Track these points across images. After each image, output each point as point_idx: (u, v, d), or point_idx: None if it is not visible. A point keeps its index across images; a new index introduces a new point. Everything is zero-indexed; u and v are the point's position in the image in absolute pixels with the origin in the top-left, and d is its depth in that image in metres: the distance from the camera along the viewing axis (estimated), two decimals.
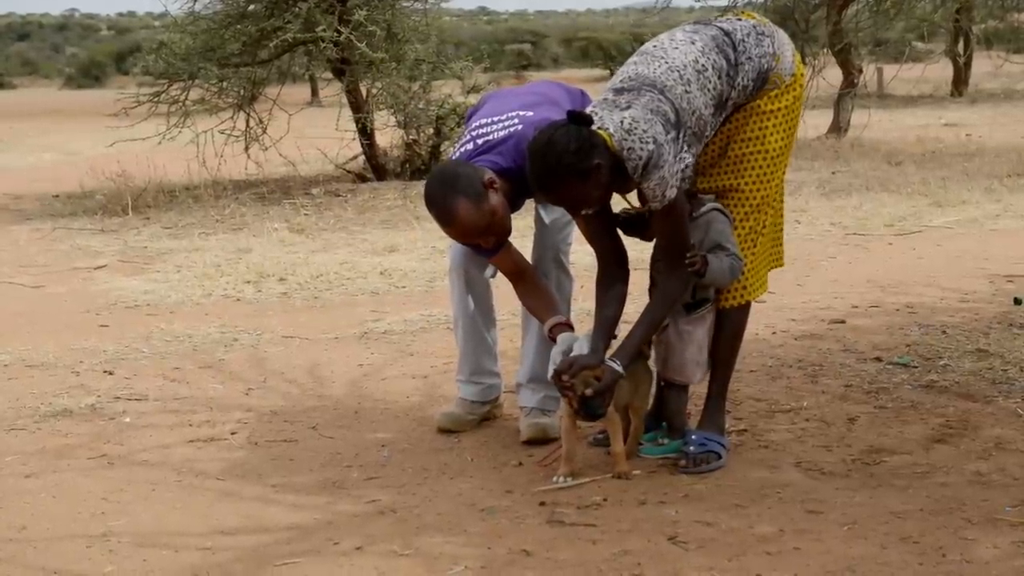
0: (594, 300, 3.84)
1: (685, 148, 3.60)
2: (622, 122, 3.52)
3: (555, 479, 3.71)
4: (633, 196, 3.80)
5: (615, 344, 3.78)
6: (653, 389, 4.04)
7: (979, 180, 10.74)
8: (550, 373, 3.78)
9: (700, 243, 3.76)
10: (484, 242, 3.91)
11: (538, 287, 4.07)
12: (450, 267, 4.32)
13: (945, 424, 4.18)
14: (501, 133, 3.94)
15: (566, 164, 3.47)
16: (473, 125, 4.06)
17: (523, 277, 4.07)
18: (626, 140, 3.50)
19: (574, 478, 3.71)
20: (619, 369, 3.66)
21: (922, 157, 12.70)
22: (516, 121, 3.95)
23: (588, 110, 3.63)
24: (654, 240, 3.89)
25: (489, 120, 4.02)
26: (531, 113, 3.95)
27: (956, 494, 3.52)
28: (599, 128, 3.53)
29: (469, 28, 44.17)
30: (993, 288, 6.45)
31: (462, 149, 4.00)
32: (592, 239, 3.84)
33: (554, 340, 3.89)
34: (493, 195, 3.82)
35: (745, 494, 3.58)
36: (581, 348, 3.76)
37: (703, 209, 3.80)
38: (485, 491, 3.67)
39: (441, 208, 3.81)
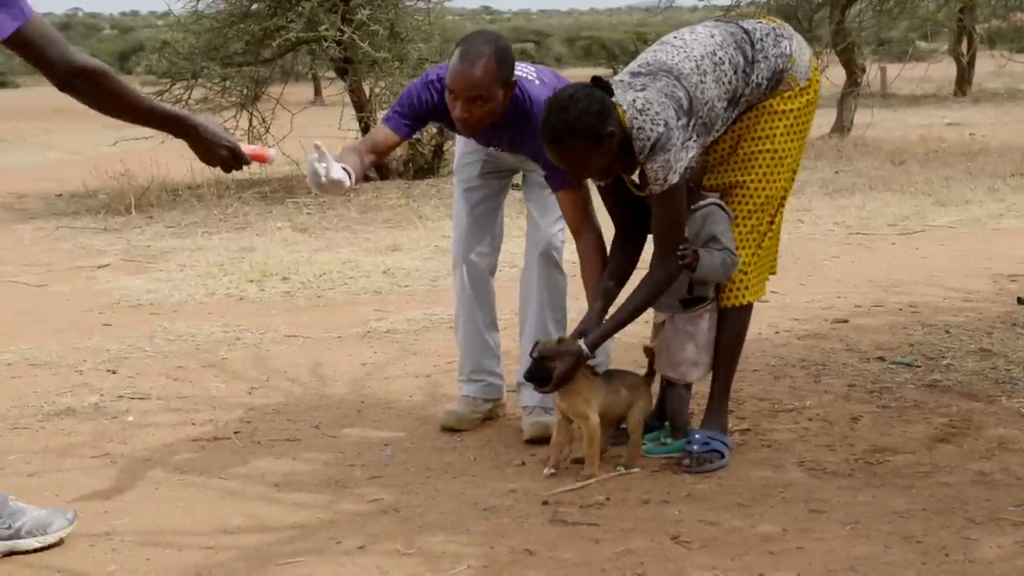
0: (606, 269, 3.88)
1: (694, 137, 3.61)
2: (635, 101, 3.56)
3: (545, 471, 3.75)
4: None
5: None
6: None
7: (982, 179, 10.74)
8: None
9: (696, 235, 3.77)
10: (468, 110, 3.81)
11: (368, 159, 4.01)
12: (453, 263, 4.33)
13: (948, 424, 4.17)
14: (519, 73, 3.95)
15: (584, 122, 3.49)
16: None
17: (378, 152, 4.06)
18: (637, 119, 3.54)
19: (557, 469, 3.76)
20: (582, 347, 3.66)
21: (925, 156, 12.70)
22: (535, 74, 4.00)
23: None
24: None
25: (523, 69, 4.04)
26: (547, 79, 4.01)
27: (959, 494, 3.52)
28: (614, 103, 3.56)
29: (472, 27, 44.20)
30: (996, 287, 6.44)
31: None
32: (608, 207, 3.88)
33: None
34: (507, 91, 3.84)
35: (748, 493, 3.58)
36: None
37: (702, 203, 3.80)
38: (488, 490, 3.67)
39: (472, 50, 3.76)
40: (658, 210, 3.68)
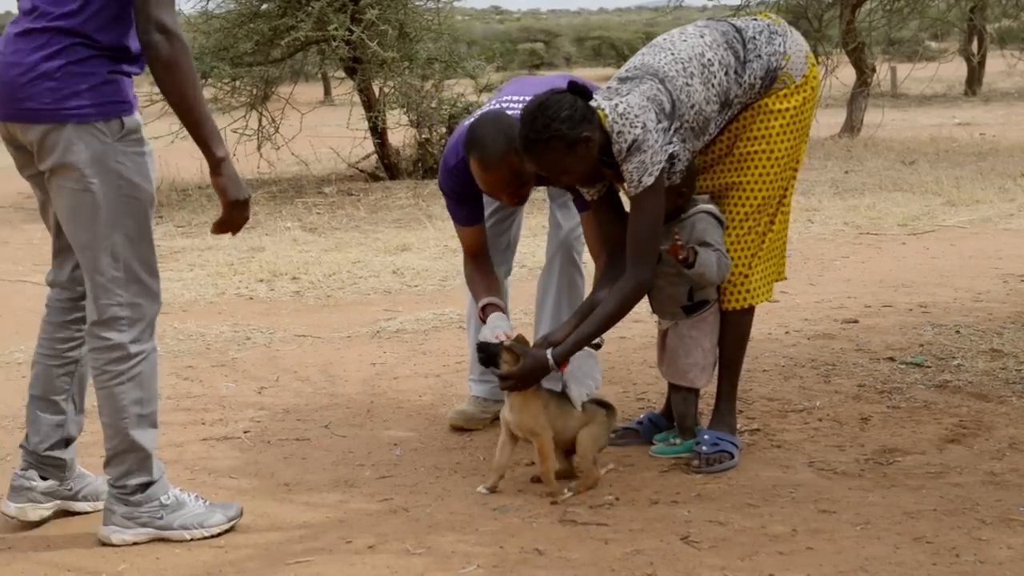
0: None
1: (678, 142, 3.59)
2: (617, 106, 3.54)
3: (479, 489, 3.67)
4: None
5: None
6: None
7: (993, 179, 10.72)
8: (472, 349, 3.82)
9: (687, 240, 3.73)
10: (516, 196, 3.82)
11: (487, 269, 4.06)
12: (465, 260, 4.33)
13: (958, 424, 4.17)
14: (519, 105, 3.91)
15: (555, 129, 3.47)
16: (503, 98, 4.04)
17: (482, 256, 4.07)
18: (617, 123, 3.52)
19: (493, 490, 3.65)
20: (547, 357, 3.57)
21: (935, 156, 12.67)
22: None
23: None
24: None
25: (519, 98, 4.00)
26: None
27: (969, 494, 3.51)
28: (596, 107, 3.55)
29: (481, 27, 44.21)
30: (1007, 288, 6.43)
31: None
32: (600, 224, 3.82)
33: (484, 320, 3.89)
34: None
35: (758, 494, 3.58)
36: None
37: (693, 210, 3.78)
38: (497, 490, 3.67)
39: (489, 153, 3.69)
40: (633, 214, 3.61)
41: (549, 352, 3.59)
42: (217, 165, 3.15)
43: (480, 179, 3.78)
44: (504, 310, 3.94)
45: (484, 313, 3.91)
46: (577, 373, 3.71)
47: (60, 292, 3.41)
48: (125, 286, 3.19)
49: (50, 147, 3.09)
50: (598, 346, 3.82)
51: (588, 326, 3.64)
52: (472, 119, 3.91)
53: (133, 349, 3.22)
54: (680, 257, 3.65)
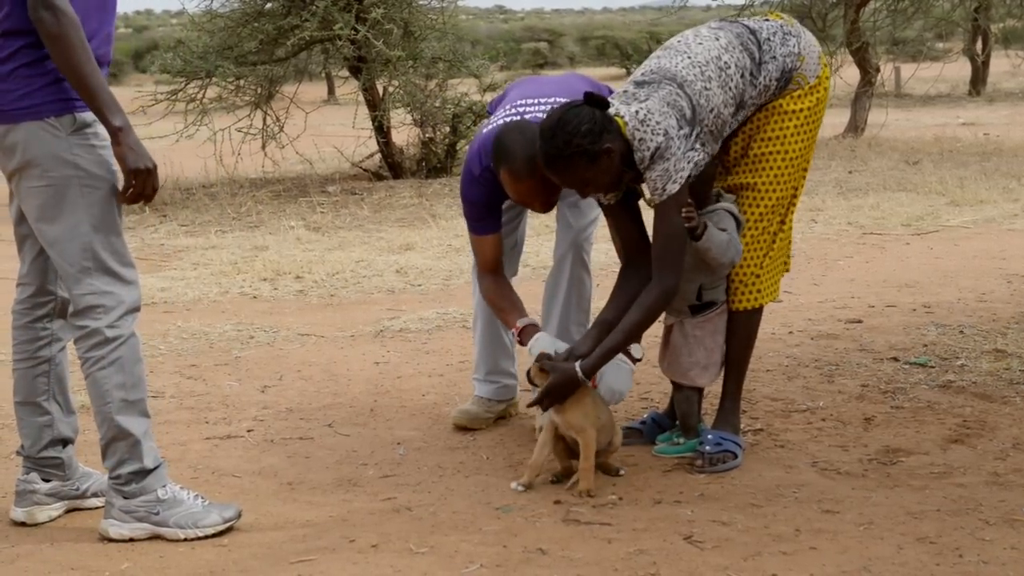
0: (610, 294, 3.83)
1: (698, 146, 3.58)
2: (637, 112, 3.52)
3: (513, 486, 3.68)
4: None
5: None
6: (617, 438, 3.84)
7: (997, 179, 10.71)
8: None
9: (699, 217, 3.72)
10: (548, 202, 3.84)
11: (508, 286, 4.07)
12: (474, 262, 4.33)
13: (962, 424, 4.16)
14: (542, 116, 3.88)
15: (575, 144, 3.46)
16: (517, 101, 4.02)
17: (500, 271, 4.08)
18: (638, 130, 3.51)
19: (529, 488, 3.66)
20: (575, 369, 3.59)
21: (939, 156, 12.66)
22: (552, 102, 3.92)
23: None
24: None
25: (535, 100, 3.99)
26: (574, 89, 3.94)
27: (973, 494, 3.51)
28: (615, 115, 3.53)
29: (485, 26, 44.21)
30: (1011, 288, 6.42)
31: (508, 120, 3.93)
32: (616, 229, 3.83)
33: (522, 342, 3.89)
34: None
35: (761, 494, 3.57)
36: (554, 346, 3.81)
37: (713, 207, 3.77)
38: (500, 489, 3.67)
39: (521, 162, 3.69)
40: (658, 222, 3.61)
41: (577, 365, 3.60)
42: (115, 134, 3.18)
43: (511, 189, 3.79)
44: (541, 327, 3.96)
45: (523, 336, 3.90)
46: (612, 383, 3.80)
47: (22, 291, 3.48)
48: (96, 275, 3.28)
49: (10, 148, 3.21)
50: (637, 360, 3.87)
51: (615, 336, 3.65)
52: (491, 127, 3.92)
53: (110, 334, 3.30)
54: (691, 224, 3.63)
